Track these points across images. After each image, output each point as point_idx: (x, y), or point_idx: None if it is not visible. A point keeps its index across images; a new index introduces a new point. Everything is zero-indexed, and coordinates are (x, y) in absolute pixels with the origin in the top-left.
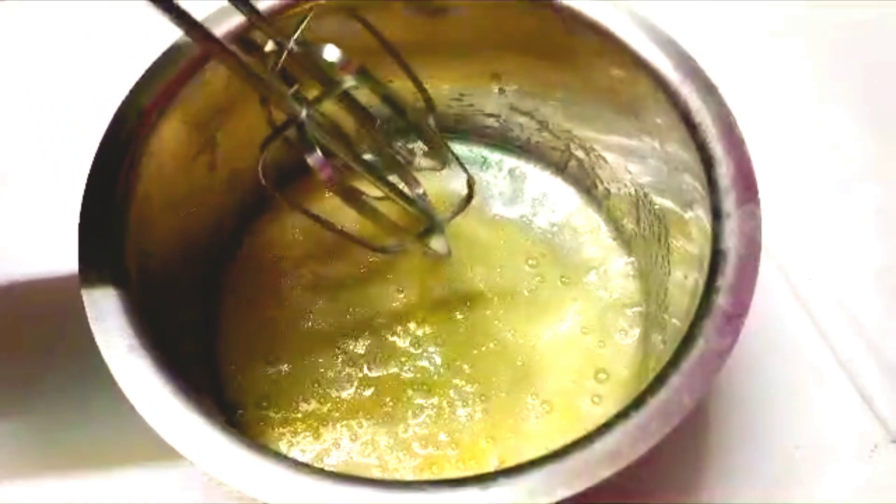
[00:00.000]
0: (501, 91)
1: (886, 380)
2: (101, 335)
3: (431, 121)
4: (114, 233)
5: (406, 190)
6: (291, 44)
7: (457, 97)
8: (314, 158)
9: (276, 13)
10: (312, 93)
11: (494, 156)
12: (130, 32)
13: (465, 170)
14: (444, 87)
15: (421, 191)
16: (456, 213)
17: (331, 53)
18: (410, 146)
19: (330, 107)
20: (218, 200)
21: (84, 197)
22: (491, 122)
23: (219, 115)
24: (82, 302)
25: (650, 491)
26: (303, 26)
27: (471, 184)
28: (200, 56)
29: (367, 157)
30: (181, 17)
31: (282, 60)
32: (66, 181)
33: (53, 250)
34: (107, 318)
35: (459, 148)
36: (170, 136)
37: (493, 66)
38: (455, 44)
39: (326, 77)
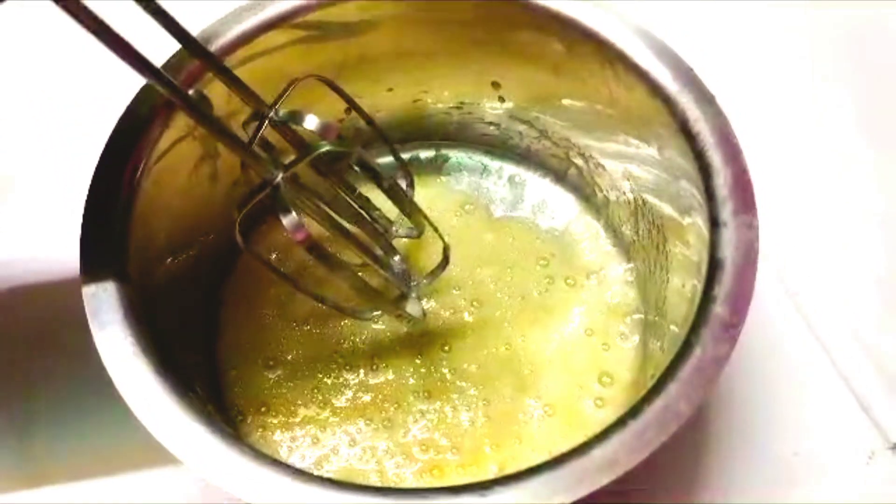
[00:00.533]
0: (501, 99)
1: (884, 387)
2: (102, 340)
3: (409, 188)
4: (115, 239)
5: (382, 256)
6: (271, 113)
7: (457, 105)
8: (289, 220)
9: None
10: (291, 156)
11: (494, 163)
12: (131, 34)
13: (441, 237)
14: (444, 95)
15: (397, 257)
16: (431, 280)
17: (311, 122)
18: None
19: (309, 174)
20: (219, 209)
21: (86, 203)
22: (491, 129)
23: None
24: (83, 306)
25: (649, 497)
26: (284, 98)
27: (446, 251)
28: (202, 67)
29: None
30: (161, 80)
31: (263, 128)
32: (65, 183)
33: (55, 256)
34: (108, 323)
35: (460, 155)
36: (172, 146)
37: (492, 75)
38: (455, 53)
39: (305, 144)
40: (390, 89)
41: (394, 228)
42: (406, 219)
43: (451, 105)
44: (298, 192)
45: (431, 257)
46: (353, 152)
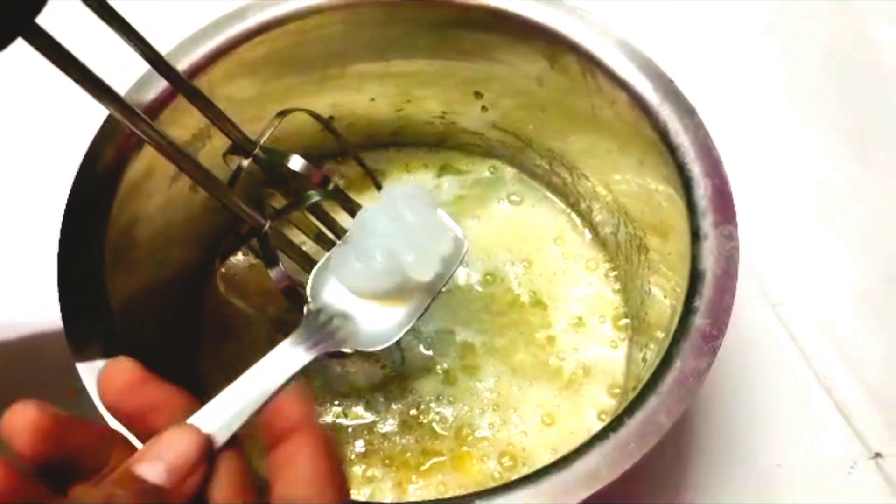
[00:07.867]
0: (484, 109)
1: (865, 397)
2: (83, 362)
3: None
4: (94, 256)
5: None
6: (257, 149)
7: (439, 115)
8: (276, 272)
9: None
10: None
11: (481, 169)
12: (102, 66)
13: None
14: (427, 105)
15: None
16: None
17: (295, 163)
18: None
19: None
20: (198, 220)
21: (64, 219)
22: (475, 139)
23: (199, 137)
24: (62, 328)
25: None
26: (269, 132)
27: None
28: (174, 85)
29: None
30: (145, 129)
31: (245, 167)
32: (43, 210)
33: (34, 276)
34: (88, 344)
35: (445, 162)
36: (150, 159)
37: (475, 85)
38: (437, 62)
39: (291, 185)
40: (372, 99)
41: None
42: None
43: (434, 115)
44: (280, 235)
45: None
46: (341, 196)
